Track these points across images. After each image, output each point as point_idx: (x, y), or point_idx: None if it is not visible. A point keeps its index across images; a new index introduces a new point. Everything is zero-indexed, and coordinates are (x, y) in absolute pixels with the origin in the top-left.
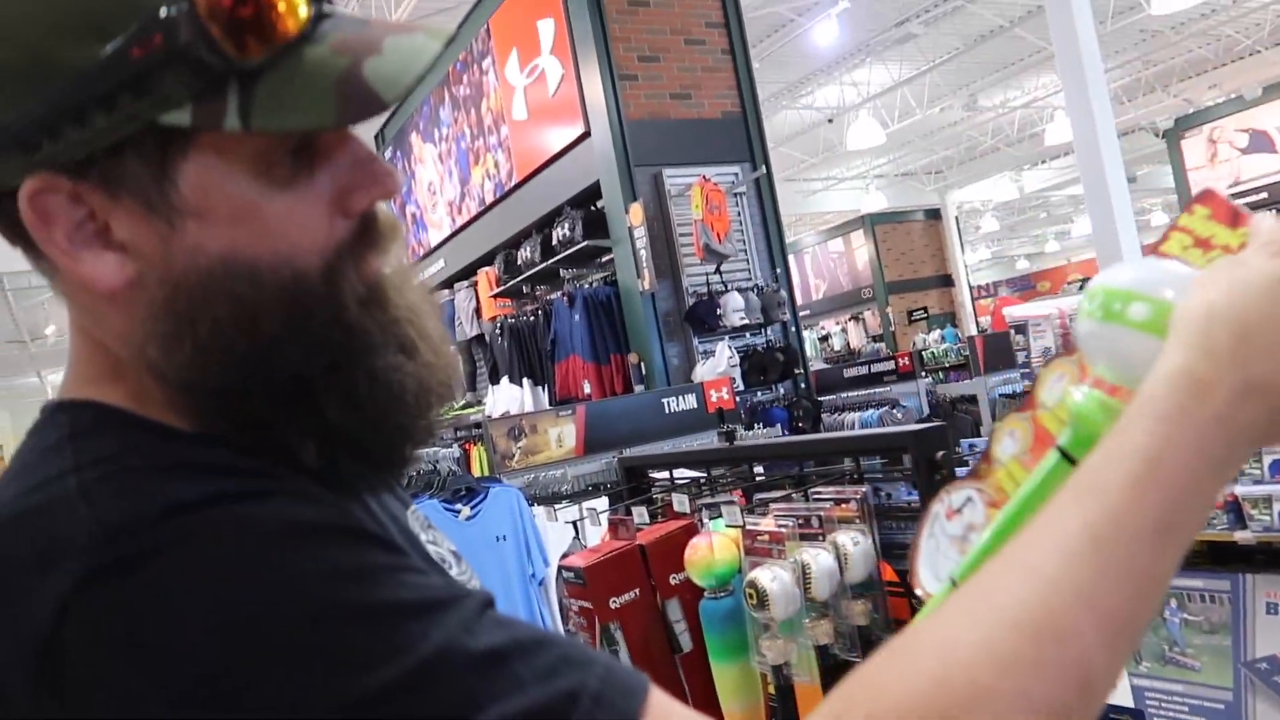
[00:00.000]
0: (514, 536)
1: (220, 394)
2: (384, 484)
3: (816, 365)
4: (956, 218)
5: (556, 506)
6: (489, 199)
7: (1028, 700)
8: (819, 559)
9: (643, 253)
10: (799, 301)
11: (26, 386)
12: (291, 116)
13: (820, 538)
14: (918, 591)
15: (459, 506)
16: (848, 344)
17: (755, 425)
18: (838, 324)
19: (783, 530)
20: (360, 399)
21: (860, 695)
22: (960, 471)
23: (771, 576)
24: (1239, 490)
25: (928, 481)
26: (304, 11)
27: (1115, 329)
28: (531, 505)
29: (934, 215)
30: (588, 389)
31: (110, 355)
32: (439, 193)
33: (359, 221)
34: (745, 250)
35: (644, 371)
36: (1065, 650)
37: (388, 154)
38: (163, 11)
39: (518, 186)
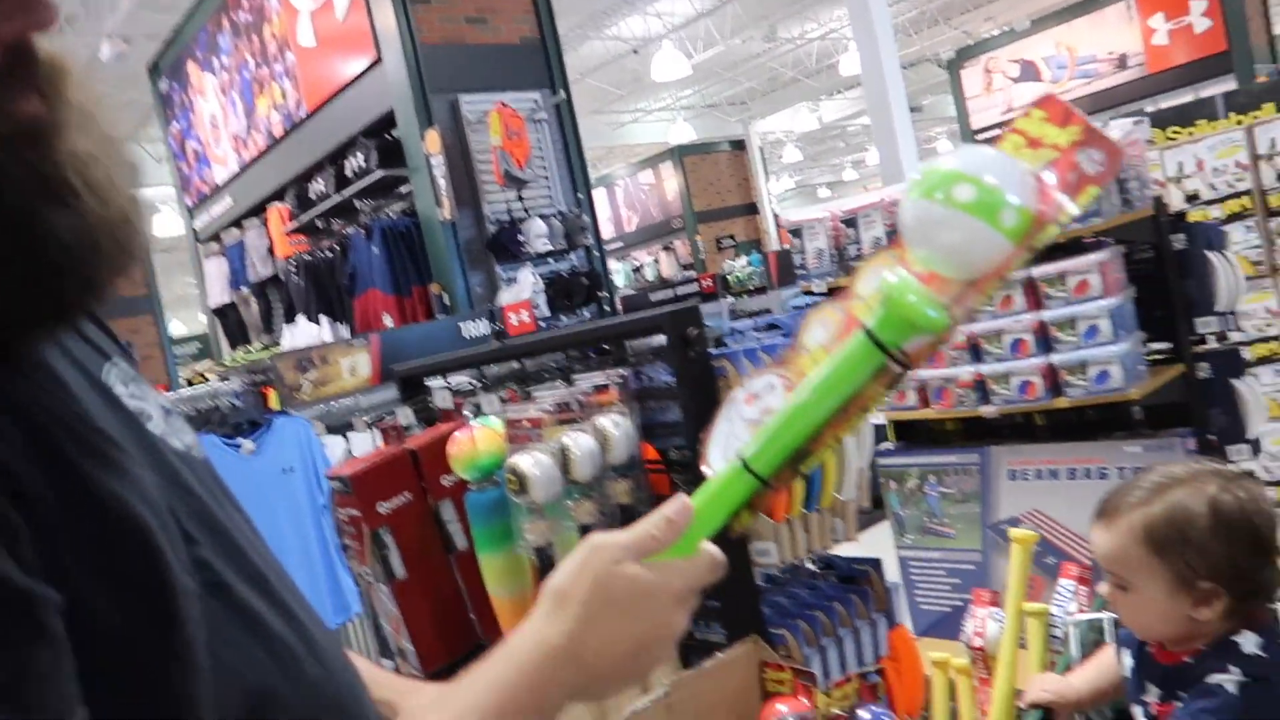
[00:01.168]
0: (302, 468)
1: None
2: (65, 338)
3: (627, 294)
4: (760, 148)
5: (349, 434)
6: (277, 132)
7: None
8: (579, 441)
9: (441, 181)
10: (611, 234)
11: None
12: None
13: (581, 421)
14: (704, 469)
15: (240, 441)
16: (660, 274)
17: None
18: (650, 255)
19: (542, 416)
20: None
21: None
22: (714, 352)
23: (532, 461)
24: (983, 369)
25: (682, 357)
26: None
27: (939, 209)
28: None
29: (739, 146)
30: (389, 322)
31: None
32: (222, 126)
33: (5, 56)
34: (547, 176)
35: (447, 302)
36: None
37: (163, 86)
38: None
39: (308, 118)
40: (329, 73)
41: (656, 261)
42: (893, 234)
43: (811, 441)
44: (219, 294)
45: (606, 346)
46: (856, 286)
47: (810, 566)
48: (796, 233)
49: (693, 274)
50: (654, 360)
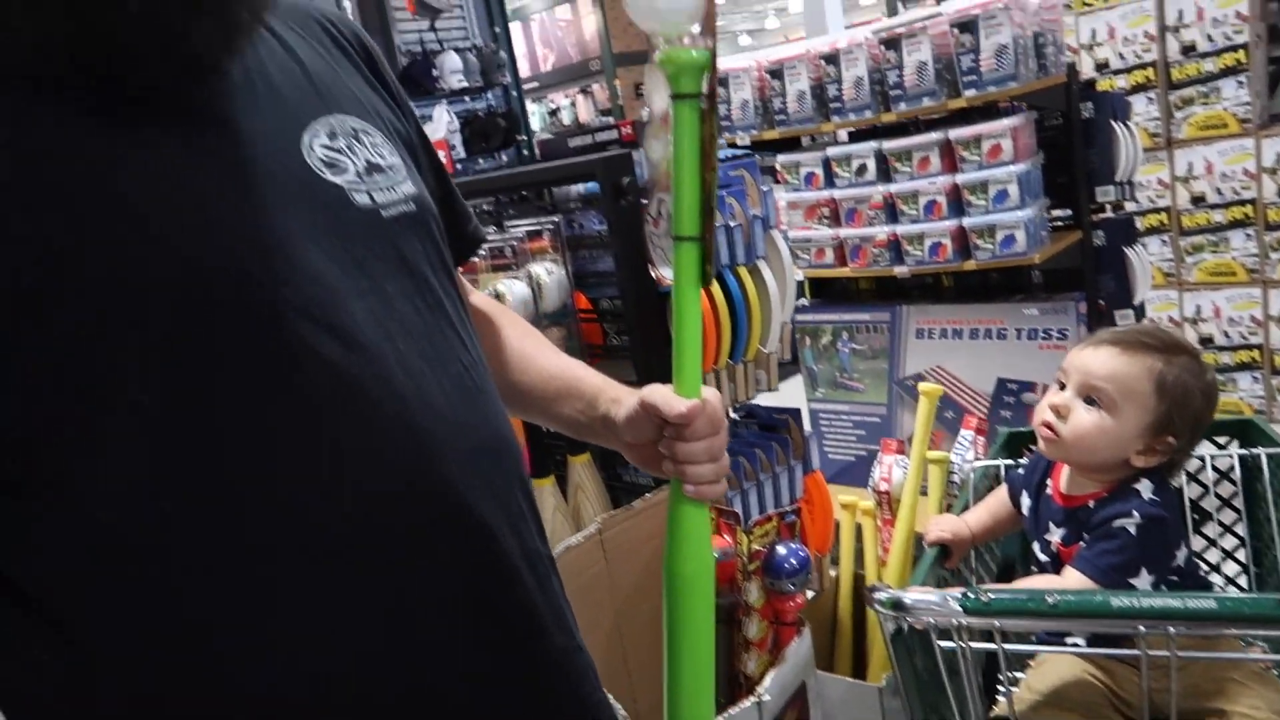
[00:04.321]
0: None
1: None
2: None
3: (544, 139)
4: None
5: None
6: None
7: None
8: (513, 289)
9: (348, 4)
10: (527, 72)
11: None
12: None
13: (514, 269)
14: (665, 284)
15: None
16: (577, 118)
17: None
18: (567, 97)
19: (477, 262)
20: None
21: None
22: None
23: None
24: (899, 230)
25: (614, 206)
26: None
27: None
28: None
29: None
30: None
31: None
32: None
33: None
34: (461, 6)
35: None
36: None
37: None
38: None
39: None
40: None
41: (574, 105)
42: (817, 89)
43: (703, 189)
44: None
45: (529, 194)
46: (651, 100)
47: (733, 415)
48: (721, 83)
49: (611, 120)
50: (584, 207)
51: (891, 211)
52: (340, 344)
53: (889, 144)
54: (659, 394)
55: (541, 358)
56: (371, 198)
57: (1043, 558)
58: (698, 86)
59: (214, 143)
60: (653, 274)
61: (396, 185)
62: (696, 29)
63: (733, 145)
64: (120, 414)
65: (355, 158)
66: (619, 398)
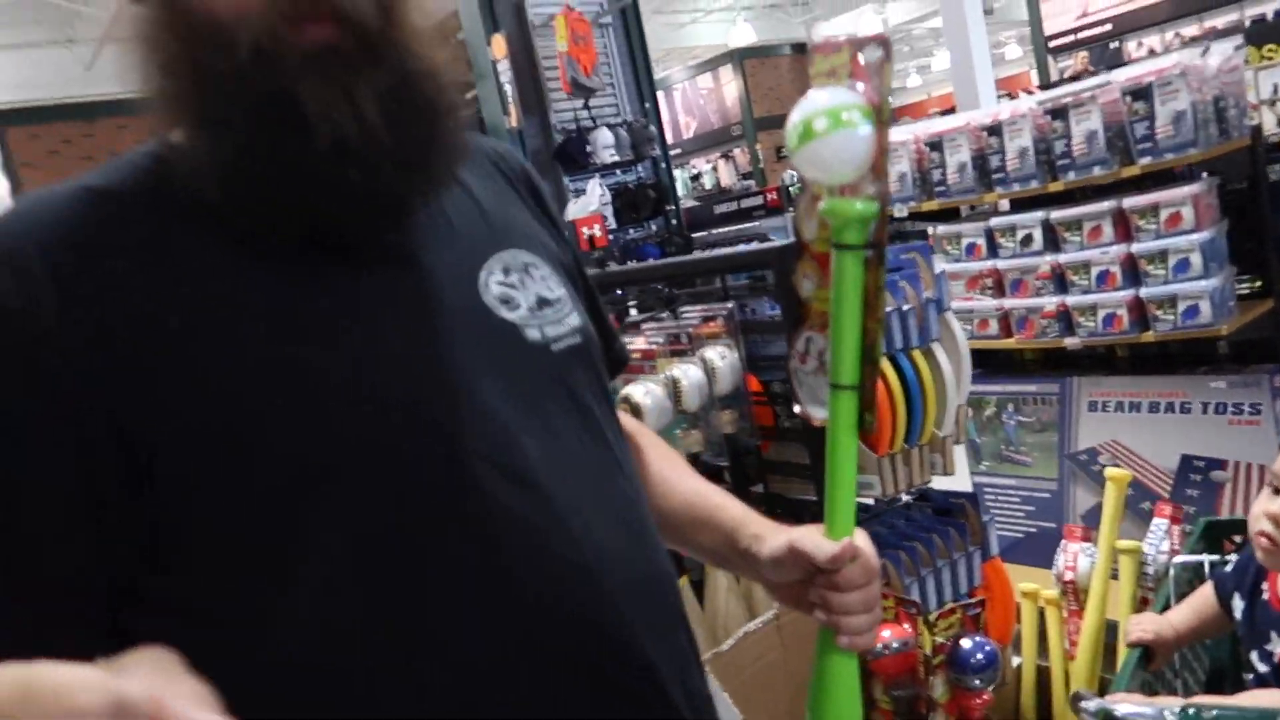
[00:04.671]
0: None
1: (172, 100)
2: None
3: (688, 203)
4: None
5: None
6: None
7: None
8: (689, 373)
9: (508, 88)
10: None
11: None
12: None
13: (689, 353)
14: (814, 423)
15: None
16: (718, 182)
17: (628, 263)
18: (708, 162)
19: (654, 348)
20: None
21: None
22: None
23: (644, 391)
24: (1069, 300)
25: (788, 295)
26: None
27: (814, 145)
28: None
29: (801, 50)
30: None
31: None
32: None
33: None
34: (613, 84)
35: None
36: None
37: None
38: None
39: None
40: None
41: (715, 170)
42: (978, 160)
43: (865, 338)
44: None
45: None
46: (804, 238)
47: (905, 497)
48: None
49: (753, 184)
50: (754, 294)
51: (1060, 281)
52: (515, 485)
53: (1057, 213)
54: (809, 539)
55: (682, 484)
56: (542, 332)
57: (1262, 668)
58: (864, 238)
59: (400, 282)
60: (797, 410)
61: (564, 318)
62: (864, 173)
63: (890, 217)
64: (309, 553)
65: (526, 292)
66: (760, 534)
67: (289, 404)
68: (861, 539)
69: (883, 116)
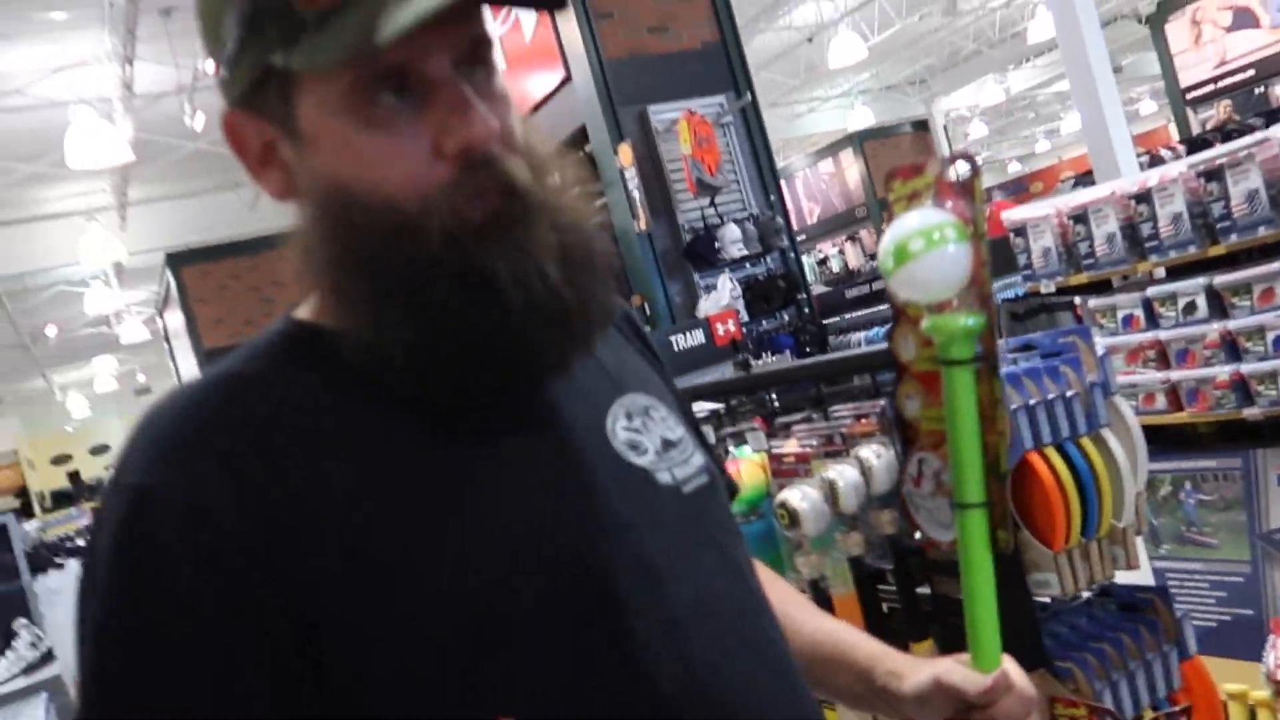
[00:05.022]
0: None
1: (342, 295)
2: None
3: (817, 289)
4: (945, 126)
5: None
6: None
7: None
8: (845, 474)
9: (636, 193)
10: (794, 227)
11: (34, 390)
12: (323, 55)
13: (844, 454)
14: (942, 546)
15: None
16: (846, 265)
17: (763, 354)
18: (834, 245)
19: (807, 450)
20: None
21: None
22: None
23: (800, 496)
24: (1244, 369)
25: None
26: None
27: (910, 267)
28: None
29: (921, 126)
30: None
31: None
32: None
33: (462, 161)
34: (737, 181)
35: (648, 313)
36: None
37: None
38: None
39: None
40: (521, 93)
41: (841, 253)
42: (1127, 229)
43: (987, 454)
44: None
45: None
46: (900, 358)
47: (1086, 594)
48: (1020, 231)
49: None
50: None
51: (1232, 348)
52: (667, 635)
53: (1221, 278)
54: (957, 672)
55: (809, 623)
56: (672, 475)
57: None
58: (972, 352)
59: (545, 437)
60: (916, 536)
61: (689, 458)
62: (962, 289)
63: (1035, 294)
64: (468, 700)
65: (651, 435)
66: (899, 670)
67: (461, 551)
68: (1013, 667)
69: (978, 230)
